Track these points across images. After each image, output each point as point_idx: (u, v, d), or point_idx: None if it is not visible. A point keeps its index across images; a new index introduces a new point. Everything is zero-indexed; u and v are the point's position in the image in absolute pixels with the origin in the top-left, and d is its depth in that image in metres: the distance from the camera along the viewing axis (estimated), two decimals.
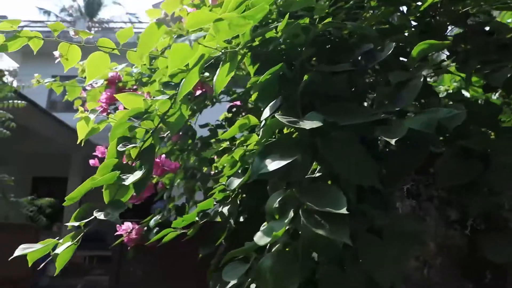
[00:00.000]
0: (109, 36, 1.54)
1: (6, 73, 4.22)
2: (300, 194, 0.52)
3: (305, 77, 0.67)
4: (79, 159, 9.27)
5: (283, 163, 0.55)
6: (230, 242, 0.91)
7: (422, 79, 0.66)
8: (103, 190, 0.69)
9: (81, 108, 0.89)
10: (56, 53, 0.81)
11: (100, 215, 0.56)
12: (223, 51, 0.65)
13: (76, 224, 0.57)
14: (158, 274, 1.36)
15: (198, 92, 1.35)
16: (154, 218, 1.27)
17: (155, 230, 1.25)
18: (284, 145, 0.60)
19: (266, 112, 0.73)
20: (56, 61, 0.83)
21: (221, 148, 0.88)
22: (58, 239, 0.59)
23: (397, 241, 0.60)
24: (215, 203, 0.93)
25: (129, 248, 1.29)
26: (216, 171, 1.93)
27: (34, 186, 9.85)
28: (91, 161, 1.68)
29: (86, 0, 18.91)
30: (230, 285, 0.55)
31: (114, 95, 0.84)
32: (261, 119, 0.73)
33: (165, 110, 0.81)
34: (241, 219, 1.04)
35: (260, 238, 0.49)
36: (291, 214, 0.49)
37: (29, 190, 9.38)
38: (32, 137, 7.50)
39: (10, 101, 3.37)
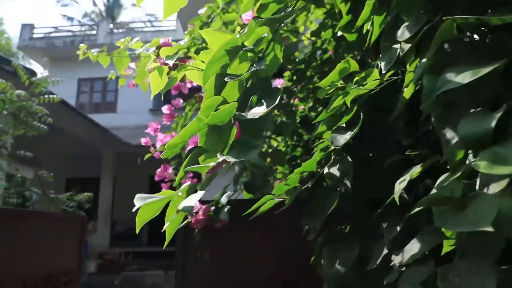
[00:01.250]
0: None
1: (38, 75, 4.20)
2: None
3: None
4: (110, 158, 9.35)
5: (485, 70, 0.39)
6: (337, 208, 0.75)
7: None
8: (200, 137, 0.54)
9: (152, 56, 0.75)
10: None
11: (228, 157, 0.41)
12: None
13: (196, 167, 0.42)
14: (228, 257, 1.22)
15: None
16: (226, 194, 1.12)
17: (226, 209, 1.11)
18: (469, 53, 0.43)
19: (405, 33, 0.57)
20: None
21: (331, 91, 0.72)
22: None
23: None
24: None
25: (196, 230, 1.16)
26: (273, 147, 1.78)
27: (68, 187, 10.02)
28: (143, 140, 1.56)
29: (107, 4, 19.22)
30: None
31: (200, 31, 0.69)
32: (400, 40, 0.56)
33: (263, 47, 0.66)
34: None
35: (490, 167, 0.33)
36: None
37: (63, 191, 9.54)
38: (64, 138, 7.60)
39: (46, 96, 3.33)
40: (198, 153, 0.46)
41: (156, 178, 1.71)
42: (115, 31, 12.65)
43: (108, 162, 9.38)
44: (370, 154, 0.87)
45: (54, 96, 3.43)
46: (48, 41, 11.51)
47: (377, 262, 0.58)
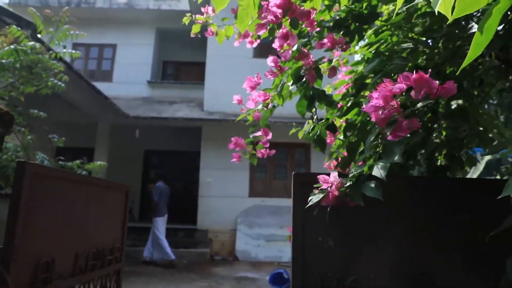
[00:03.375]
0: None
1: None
2: None
3: None
4: (106, 129, 8.95)
5: None
6: None
7: None
8: None
9: None
10: None
11: None
12: None
13: None
14: (356, 244, 1.00)
15: None
16: (380, 165, 0.88)
17: (373, 184, 0.88)
18: None
19: None
20: None
21: None
22: None
23: None
24: None
25: (328, 208, 0.93)
26: None
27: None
28: (236, 97, 1.31)
29: None
30: None
31: None
32: None
33: None
34: None
35: None
36: None
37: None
38: (60, 103, 7.16)
39: (65, 51, 2.97)
40: None
41: (231, 146, 1.47)
42: None
43: (104, 133, 8.97)
44: None
45: (73, 51, 3.08)
46: (42, 0, 10.78)
47: None
